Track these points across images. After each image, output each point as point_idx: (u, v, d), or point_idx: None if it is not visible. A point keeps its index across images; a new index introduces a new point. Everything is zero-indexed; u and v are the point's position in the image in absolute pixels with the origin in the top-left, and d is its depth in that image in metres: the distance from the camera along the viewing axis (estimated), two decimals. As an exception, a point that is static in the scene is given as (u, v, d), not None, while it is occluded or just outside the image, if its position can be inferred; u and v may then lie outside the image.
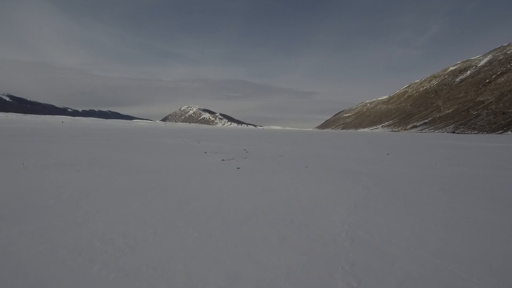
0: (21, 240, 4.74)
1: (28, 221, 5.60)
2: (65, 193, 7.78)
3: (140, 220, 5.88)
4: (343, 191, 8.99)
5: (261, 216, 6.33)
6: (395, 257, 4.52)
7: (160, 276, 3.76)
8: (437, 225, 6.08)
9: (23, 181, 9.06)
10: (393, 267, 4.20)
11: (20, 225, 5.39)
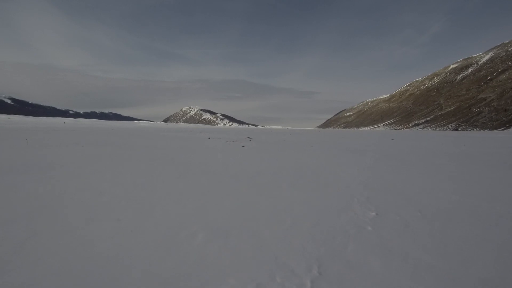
0: (26, 184, 4.64)
1: (33, 174, 5.51)
2: (70, 160, 7.69)
3: (148, 174, 5.77)
4: (351, 161, 8.87)
5: (270, 174, 6.21)
6: (410, 196, 4.39)
7: (173, 204, 3.65)
8: (448, 179, 5.94)
9: (27, 152, 8.98)
10: (409, 201, 4.07)
11: (24, 176, 5.30)
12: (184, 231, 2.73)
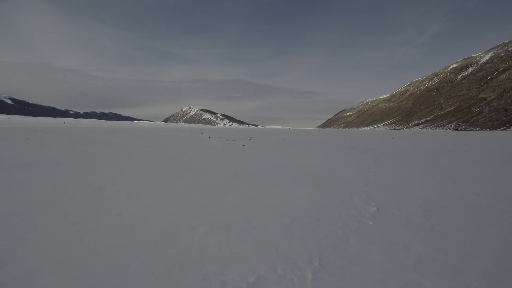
0: (26, 181, 4.65)
1: (33, 171, 5.52)
2: (70, 158, 7.71)
3: (149, 173, 5.78)
4: (351, 159, 8.88)
5: (270, 171, 6.22)
6: (411, 192, 4.39)
7: (174, 200, 3.66)
8: (448, 177, 5.96)
9: (27, 151, 8.99)
10: (410, 198, 4.08)
11: (24, 174, 5.31)
12: (185, 226, 2.74)
